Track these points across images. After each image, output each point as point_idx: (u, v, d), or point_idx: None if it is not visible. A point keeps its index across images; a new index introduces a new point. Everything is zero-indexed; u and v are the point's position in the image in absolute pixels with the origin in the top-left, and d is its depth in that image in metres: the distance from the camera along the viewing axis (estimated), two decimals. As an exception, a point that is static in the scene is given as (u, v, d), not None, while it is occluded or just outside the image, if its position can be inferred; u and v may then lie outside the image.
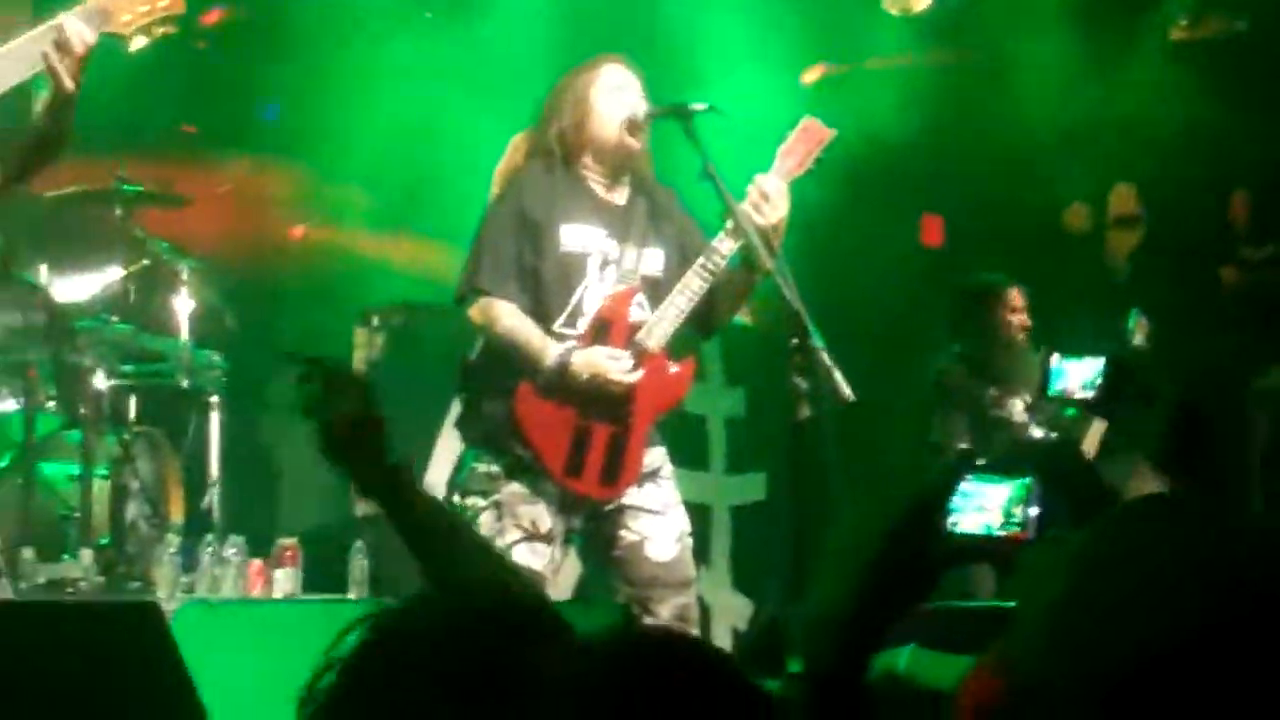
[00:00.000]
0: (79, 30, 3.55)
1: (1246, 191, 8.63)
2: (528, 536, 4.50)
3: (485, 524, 4.51)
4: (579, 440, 4.52)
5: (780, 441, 4.58)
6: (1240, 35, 8.72)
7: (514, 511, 4.50)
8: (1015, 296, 6.73)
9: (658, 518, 4.65)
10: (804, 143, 4.71)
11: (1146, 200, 8.89)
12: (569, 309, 4.58)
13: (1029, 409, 6.61)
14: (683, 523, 4.72)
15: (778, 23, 7.91)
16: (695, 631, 4.73)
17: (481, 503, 4.53)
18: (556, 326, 4.56)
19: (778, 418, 4.50)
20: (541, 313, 4.56)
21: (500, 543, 4.48)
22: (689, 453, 6.77)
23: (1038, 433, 6.57)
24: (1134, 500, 1.70)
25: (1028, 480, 2.07)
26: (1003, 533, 2.07)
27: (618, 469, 4.57)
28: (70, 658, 3.47)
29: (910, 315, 7.93)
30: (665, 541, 4.65)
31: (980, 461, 6.25)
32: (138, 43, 3.71)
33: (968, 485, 2.00)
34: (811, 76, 8.47)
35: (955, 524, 1.95)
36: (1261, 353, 7.83)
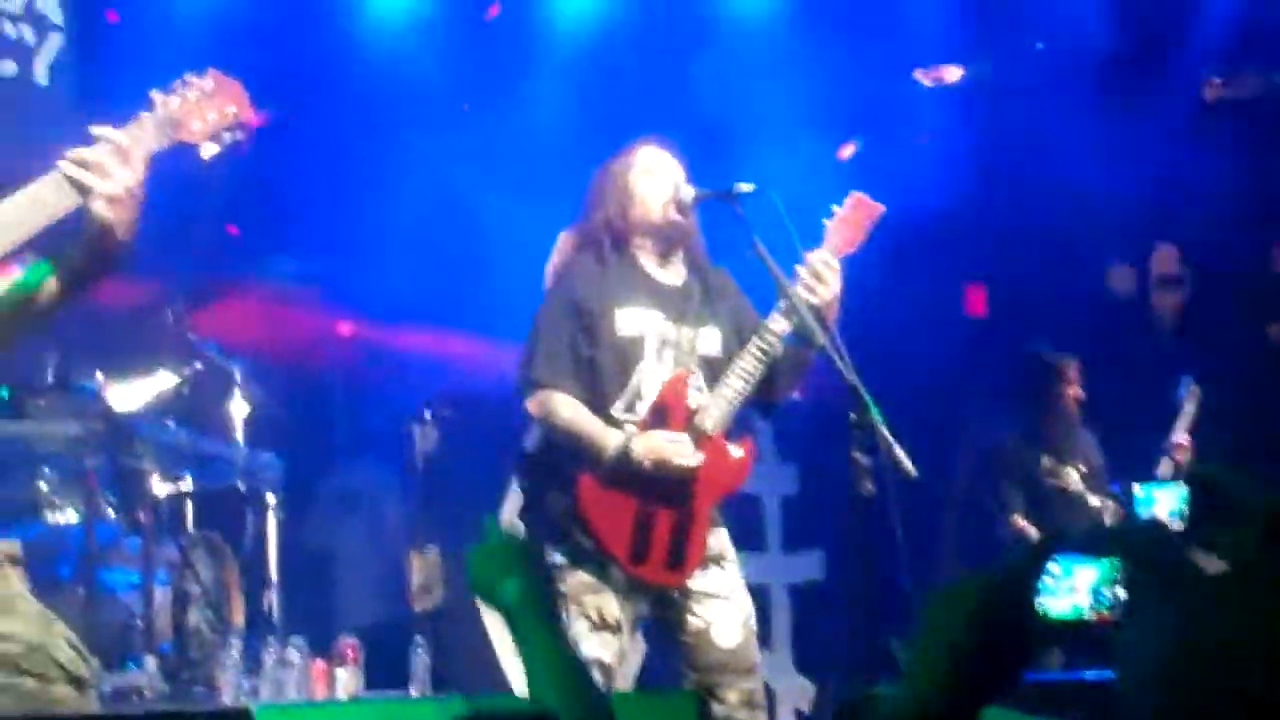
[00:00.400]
0: (145, 139, 3.55)
1: (1289, 245, 8.62)
2: (596, 627, 4.48)
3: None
4: (642, 526, 4.50)
5: (835, 518, 4.55)
6: (1275, 89, 8.73)
7: (580, 601, 4.48)
8: (1073, 369, 6.77)
9: (723, 603, 4.63)
10: (854, 218, 4.72)
11: (1189, 260, 8.88)
12: (627, 393, 4.57)
13: (1084, 479, 6.60)
14: (747, 607, 4.70)
15: (812, 98, 7.96)
16: (762, 716, 4.68)
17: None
18: (615, 412, 4.56)
19: (832, 494, 4.47)
20: (599, 399, 4.56)
21: (568, 634, 4.45)
22: (744, 533, 6.73)
23: (1094, 501, 6.57)
24: (1222, 577, 1.68)
25: (1115, 561, 2.04)
26: (1093, 614, 2.03)
27: (683, 553, 4.55)
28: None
29: (956, 386, 7.91)
30: (731, 627, 4.62)
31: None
32: (209, 150, 3.73)
33: (1055, 567, 1.97)
34: (847, 151, 8.51)
35: (1044, 606, 1.92)
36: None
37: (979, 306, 8.69)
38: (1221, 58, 8.63)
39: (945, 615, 1.72)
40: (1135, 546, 4.81)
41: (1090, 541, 5.75)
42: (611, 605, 4.49)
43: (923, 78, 8.67)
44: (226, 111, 3.70)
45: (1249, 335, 8.47)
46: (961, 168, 8.30)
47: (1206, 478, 6.07)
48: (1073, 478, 6.62)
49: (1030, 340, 7.26)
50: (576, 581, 4.50)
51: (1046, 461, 6.62)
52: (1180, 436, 6.72)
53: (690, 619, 4.59)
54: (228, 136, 3.76)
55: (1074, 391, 6.77)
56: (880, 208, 4.73)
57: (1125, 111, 8.51)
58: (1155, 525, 6.00)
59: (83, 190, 3.39)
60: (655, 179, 4.70)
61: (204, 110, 3.65)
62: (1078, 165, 8.50)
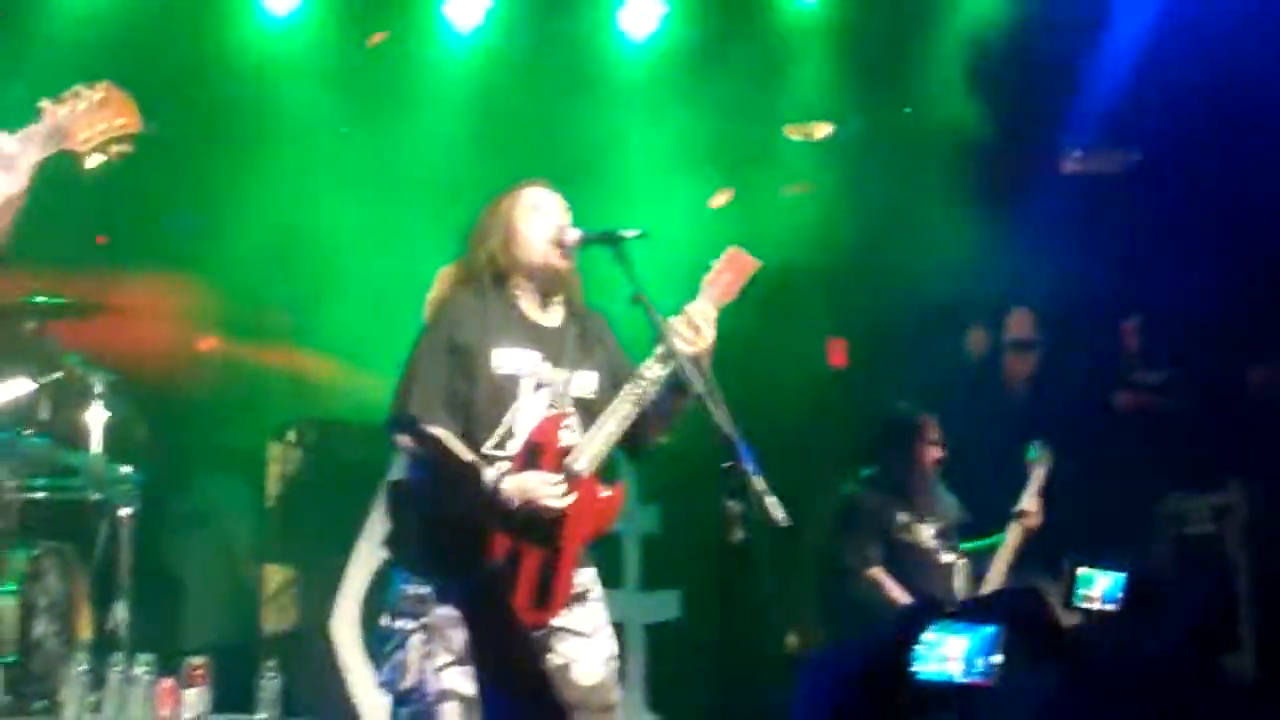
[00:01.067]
0: (30, 152, 3.54)
1: (1139, 317, 8.89)
2: (458, 660, 4.49)
3: (415, 646, 4.49)
4: (510, 564, 4.53)
5: (696, 559, 4.62)
6: (1131, 166, 9.01)
7: (444, 635, 4.49)
8: (932, 428, 6.90)
9: (586, 640, 4.67)
10: (730, 272, 4.79)
11: (1043, 324, 9.12)
12: (500, 432, 4.60)
13: (938, 535, 6.74)
14: (610, 646, 4.74)
15: (689, 147, 8.08)
16: None
17: (411, 624, 4.52)
18: (487, 449, 4.59)
19: (693, 535, 4.54)
20: (472, 436, 4.58)
21: (430, 665, 4.46)
22: (604, 569, 6.78)
23: (946, 558, 6.69)
24: (1091, 650, 1.77)
25: (990, 630, 2.13)
26: (965, 680, 2.12)
27: (549, 593, 4.58)
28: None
29: (816, 436, 8.04)
30: (593, 665, 4.65)
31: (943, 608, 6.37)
32: (93, 160, 3.72)
33: (930, 634, 2.05)
34: (719, 201, 8.64)
35: (917, 672, 2.00)
36: (1160, 475, 8.05)
37: (840, 358, 8.85)
38: (1081, 135, 8.90)
39: (825, 676, 1.78)
40: (1014, 612, 4.95)
41: (969, 609, 5.90)
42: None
43: (793, 133, 8.83)
44: (115, 123, 3.70)
45: (1097, 402, 8.73)
46: (827, 222, 8.47)
47: (1144, 571, 6.29)
48: (926, 534, 6.75)
49: (889, 395, 7.40)
50: (441, 613, 4.52)
51: (902, 517, 6.74)
52: (1029, 501, 6.87)
53: (551, 656, 4.62)
54: (115, 149, 3.76)
55: (933, 451, 6.90)
56: (756, 263, 4.82)
57: (985, 177, 8.75)
58: (1031, 593, 6.16)
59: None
60: (539, 218, 4.74)
61: (93, 121, 3.65)
62: (940, 226, 8.71)
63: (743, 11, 8.53)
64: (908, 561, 6.69)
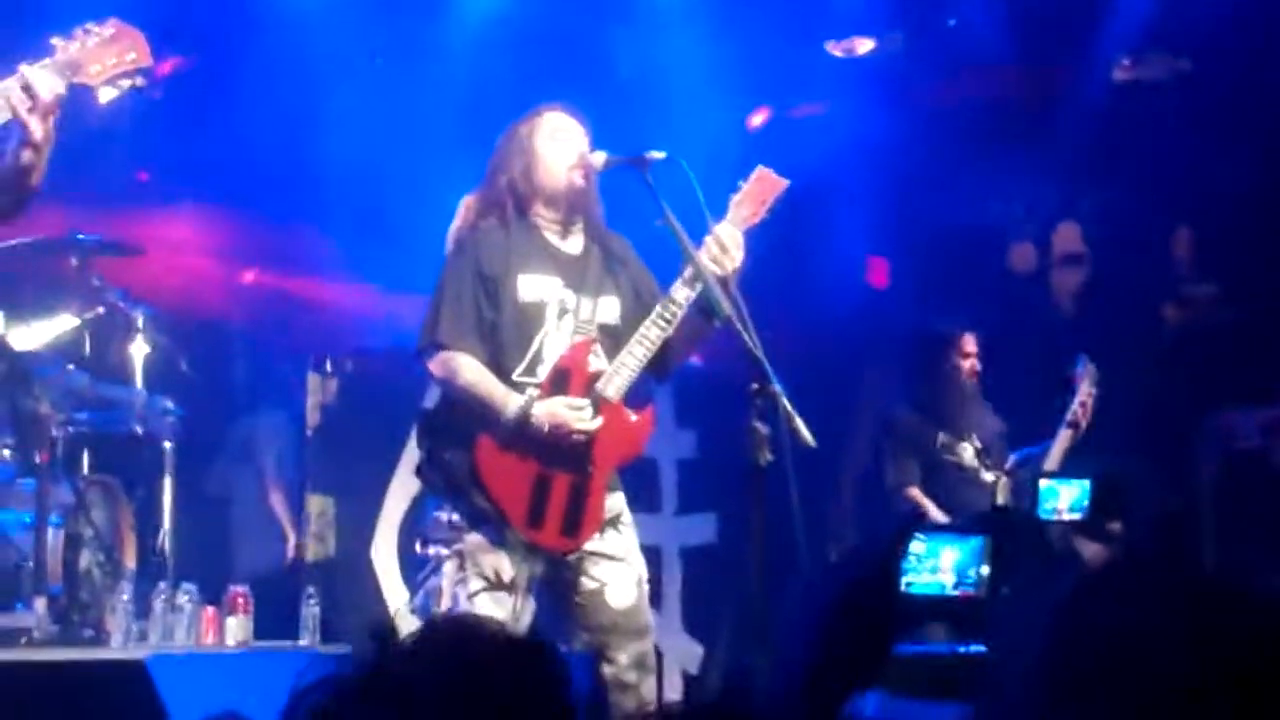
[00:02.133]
0: (48, 81, 3.62)
1: (1189, 229, 8.80)
2: (490, 586, 4.56)
3: (449, 572, 4.57)
4: (540, 490, 4.59)
5: (731, 484, 4.65)
6: (1182, 75, 8.89)
7: (477, 560, 4.57)
8: (968, 342, 6.85)
9: (618, 564, 4.72)
10: (758, 192, 4.81)
11: (1090, 239, 9.05)
12: (528, 358, 4.65)
13: (978, 454, 6.72)
14: (641, 569, 4.79)
15: (725, 66, 8.04)
16: (652, 679, 4.77)
17: (445, 551, 4.59)
18: (516, 376, 4.64)
19: (729, 460, 4.57)
20: (501, 363, 4.64)
21: (463, 591, 4.54)
22: (640, 495, 6.81)
23: (988, 477, 6.68)
24: (1108, 564, 1.78)
25: (979, 540, 2.15)
26: (956, 592, 2.13)
27: (579, 519, 4.64)
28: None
29: (858, 356, 8.04)
30: (625, 588, 4.71)
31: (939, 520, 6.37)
32: (106, 94, 3.80)
33: (921, 546, 2.08)
34: (758, 119, 8.60)
35: (910, 583, 2.02)
36: (1208, 390, 8.00)
37: (881, 278, 8.82)
38: (1130, 42, 8.78)
39: (815, 593, 1.79)
40: (1015, 530, 4.96)
41: (965, 522, 5.91)
42: (506, 565, 4.57)
43: (834, 49, 8.76)
44: (126, 58, 3.76)
45: (1146, 316, 8.67)
46: (868, 140, 8.42)
47: (1108, 476, 6.25)
48: (967, 453, 6.72)
49: (929, 313, 7.38)
50: (474, 540, 4.58)
51: (942, 436, 6.71)
52: (1076, 409, 6.80)
53: (584, 580, 4.68)
54: (126, 82, 3.85)
55: (969, 364, 6.85)
56: (784, 182, 4.82)
57: (1035, 87, 8.66)
58: (1007, 509, 6.17)
59: (32, 98, 3.48)
60: (560, 143, 4.76)
61: (103, 55, 3.72)
62: (982, 140, 8.65)
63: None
64: (948, 480, 6.70)
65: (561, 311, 4.70)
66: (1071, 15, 8.59)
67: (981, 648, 4.11)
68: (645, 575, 4.80)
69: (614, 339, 4.73)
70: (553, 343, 4.67)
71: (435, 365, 4.65)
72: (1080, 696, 1.47)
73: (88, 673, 4.44)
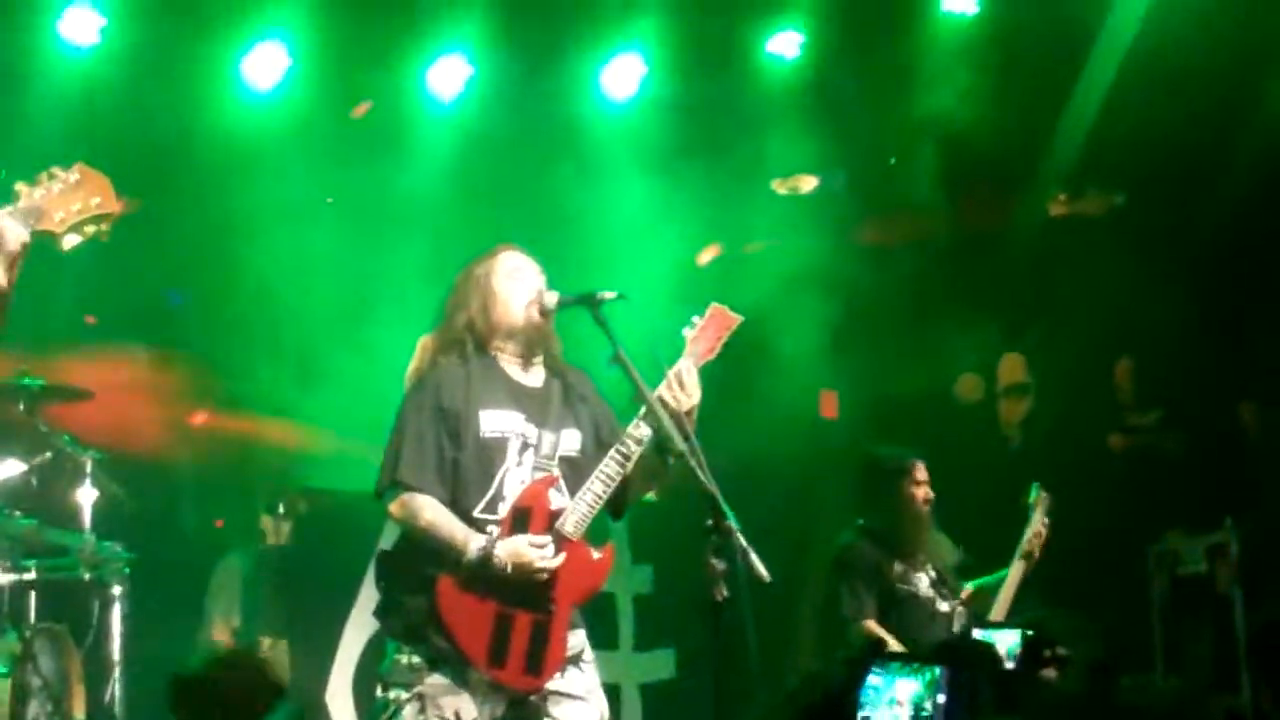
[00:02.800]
0: (14, 230, 3.56)
1: (1130, 359, 8.89)
2: (451, 728, 4.48)
3: (408, 716, 4.49)
4: (501, 629, 4.53)
5: (689, 618, 4.61)
6: (1116, 209, 9.03)
7: (437, 704, 4.49)
8: (919, 470, 6.83)
9: (579, 704, 4.66)
10: (713, 328, 4.82)
11: (1034, 369, 9.12)
12: (489, 495, 4.62)
13: (934, 584, 6.68)
14: (603, 707, 4.73)
15: (673, 206, 8.11)
16: None
17: (405, 695, 4.50)
18: (476, 513, 4.60)
19: (685, 594, 4.53)
20: (461, 501, 4.59)
21: None
22: (598, 631, 6.74)
23: (944, 606, 6.65)
24: (1057, 700, 1.75)
25: (935, 673, 2.12)
26: None
27: (542, 657, 4.58)
28: None
29: (810, 488, 8.03)
30: None
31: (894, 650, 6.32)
32: (70, 241, 3.74)
33: (878, 680, 2.04)
34: (706, 257, 8.66)
35: (867, 717, 2.00)
36: (1153, 516, 8.03)
37: (831, 410, 8.84)
38: (1067, 179, 8.93)
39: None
40: (972, 659, 4.93)
41: (918, 654, 5.86)
42: (469, 707, 4.51)
43: (779, 187, 8.86)
44: (91, 203, 3.72)
45: (1092, 444, 8.73)
46: (814, 275, 8.48)
47: (1036, 624, 6.24)
48: (923, 583, 6.69)
49: (879, 443, 7.36)
50: (434, 682, 4.52)
51: (898, 567, 6.68)
52: (1031, 538, 6.78)
53: (551, 716, 4.61)
54: (90, 229, 3.78)
55: (922, 492, 6.82)
56: (737, 318, 4.84)
57: (973, 221, 8.77)
58: (967, 639, 6.12)
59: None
60: (517, 281, 4.78)
61: (68, 202, 3.67)
62: (927, 275, 8.74)
63: (722, 69, 8.57)
64: (905, 610, 6.64)
65: (523, 446, 4.67)
66: (1008, 154, 8.73)
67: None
68: (606, 714, 4.74)
69: (575, 470, 4.70)
70: (513, 478, 4.64)
71: (395, 507, 4.60)
72: None
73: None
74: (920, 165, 8.69)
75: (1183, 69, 8.03)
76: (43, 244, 5.98)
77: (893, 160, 8.93)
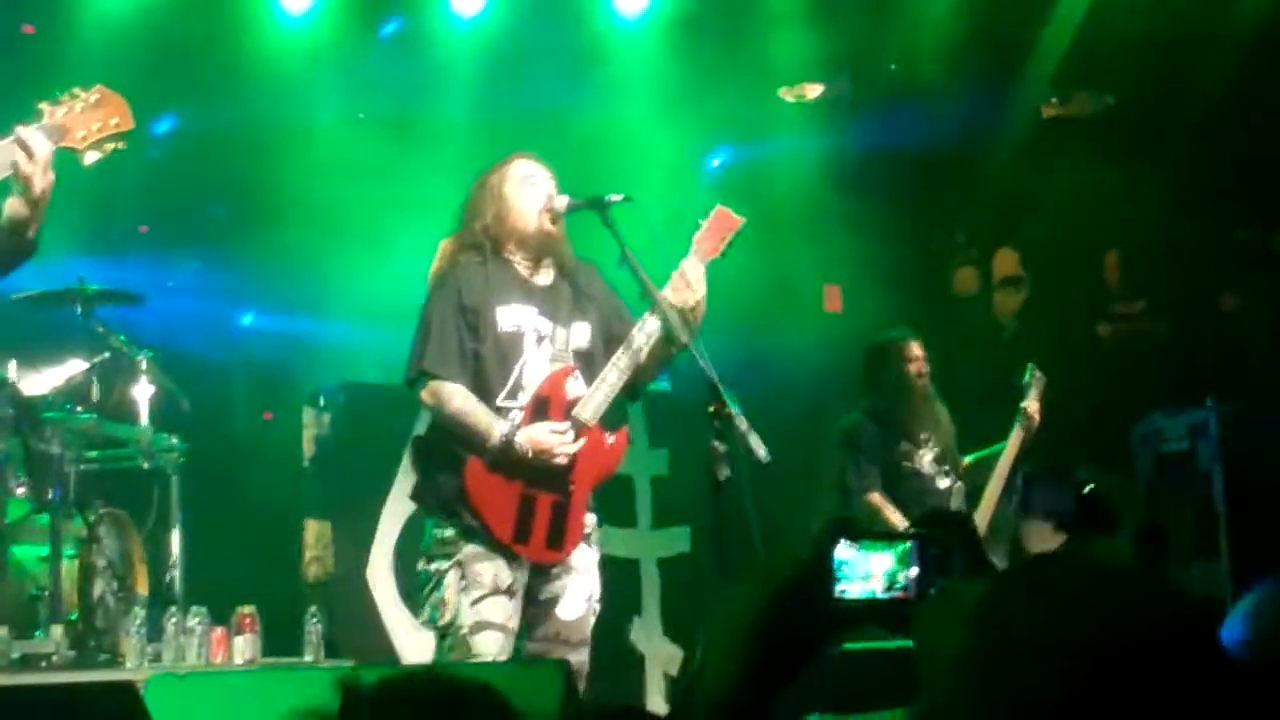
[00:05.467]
0: (40, 141, 3.63)
1: (1118, 252, 8.91)
2: (491, 591, 4.60)
3: (450, 583, 4.59)
4: (525, 509, 4.64)
5: (701, 498, 4.70)
6: (1108, 109, 9.00)
7: (475, 569, 4.61)
8: (913, 347, 6.87)
9: (576, 576, 4.77)
10: (717, 229, 4.87)
11: (1028, 262, 9.14)
12: (509, 384, 4.71)
13: (936, 460, 6.73)
14: (595, 585, 4.83)
15: (682, 115, 8.13)
16: (581, 685, 4.77)
17: (445, 564, 4.62)
18: (499, 401, 4.69)
19: (698, 476, 4.62)
20: (484, 389, 4.69)
21: (465, 599, 4.57)
22: (617, 511, 6.88)
23: (944, 483, 6.71)
24: (1029, 559, 1.76)
25: (906, 545, 2.14)
26: (887, 596, 2.11)
27: (562, 534, 4.70)
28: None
29: (820, 378, 8.09)
30: (575, 602, 4.76)
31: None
32: (91, 157, 3.80)
33: (850, 554, 2.04)
34: (715, 162, 8.68)
35: (843, 591, 1.98)
36: (1139, 398, 8.08)
37: (836, 304, 8.89)
38: (1057, 81, 8.89)
39: (746, 597, 1.76)
40: (947, 530, 5.00)
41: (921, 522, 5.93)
42: (505, 571, 4.62)
43: (786, 94, 8.86)
44: (110, 123, 3.78)
45: (1081, 332, 8.77)
46: (819, 177, 8.51)
47: (1087, 486, 6.28)
48: (925, 460, 6.75)
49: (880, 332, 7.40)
50: (470, 550, 4.62)
51: (903, 444, 6.73)
52: (1031, 406, 6.79)
53: (544, 589, 4.72)
54: (110, 146, 3.84)
55: (916, 367, 6.85)
56: (740, 220, 4.89)
57: (971, 121, 8.76)
58: (943, 513, 6.20)
59: (25, 184, 3.49)
60: (529, 188, 4.83)
61: (88, 121, 3.73)
62: (932, 172, 8.75)
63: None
64: (907, 485, 6.71)
65: (539, 339, 4.76)
66: (1002, 54, 8.69)
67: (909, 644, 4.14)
68: (597, 591, 4.83)
69: (588, 360, 4.79)
70: (532, 369, 4.73)
71: (425, 394, 4.70)
72: (998, 696, 1.44)
73: (99, 692, 4.44)
74: (919, 70, 8.66)
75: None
76: (99, 165, 6.12)
77: (893, 66, 8.91)
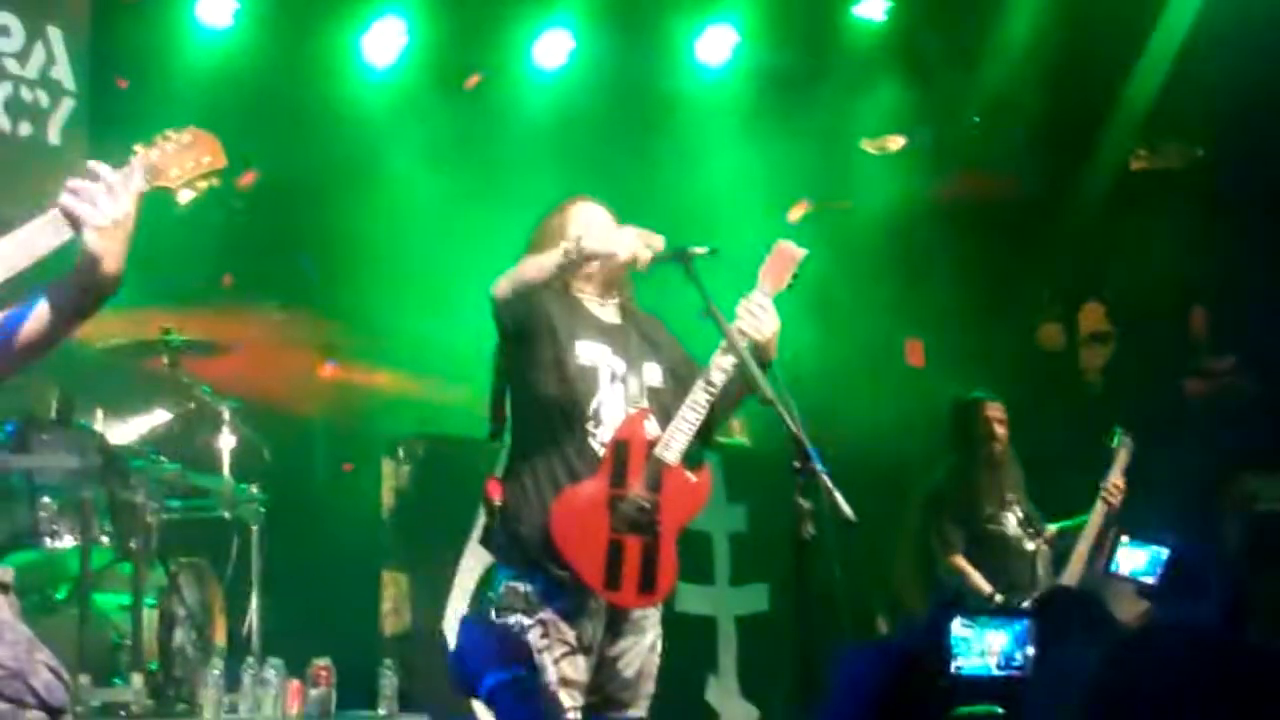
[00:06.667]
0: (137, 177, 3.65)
1: (1205, 307, 8.81)
2: (571, 650, 4.56)
3: (533, 641, 4.55)
4: (614, 555, 4.58)
5: (781, 555, 4.66)
6: (1196, 162, 8.93)
7: (558, 629, 4.56)
8: (994, 409, 6.84)
9: (640, 636, 4.69)
10: (780, 262, 4.82)
11: (1114, 318, 9.06)
12: (589, 416, 4.67)
13: (1021, 524, 6.68)
14: (657, 636, 4.77)
15: (765, 168, 8.14)
16: None
17: (526, 621, 4.57)
18: (584, 426, 4.65)
19: (777, 532, 4.57)
20: (566, 418, 4.62)
21: (548, 657, 4.53)
22: (695, 567, 6.86)
23: (1029, 545, 6.65)
24: (1139, 628, 1.75)
25: (1024, 623, 2.13)
26: (1003, 674, 2.11)
27: (653, 578, 4.64)
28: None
29: (902, 434, 8.04)
30: (637, 659, 4.69)
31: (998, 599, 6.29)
32: (184, 196, 3.84)
33: (967, 630, 2.05)
34: (796, 214, 8.68)
35: (959, 667, 1.99)
36: (1229, 456, 7.97)
37: (918, 358, 8.84)
38: (1145, 132, 8.84)
39: (862, 666, 1.76)
40: (1062, 606, 4.92)
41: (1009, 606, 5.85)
42: (585, 630, 4.58)
43: (868, 146, 8.85)
44: (203, 161, 3.80)
45: (1168, 389, 8.67)
46: (903, 229, 8.48)
47: (1179, 550, 6.19)
48: (1010, 523, 6.70)
49: (963, 388, 7.37)
50: (554, 610, 4.57)
51: (987, 507, 6.68)
52: (1113, 480, 6.74)
53: (610, 645, 4.67)
54: (203, 184, 3.87)
55: (1000, 429, 6.82)
56: (802, 252, 4.84)
57: (1056, 175, 8.71)
58: (1068, 590, 6.12)
59: (74, 222, 3.51)
60: (590, 224, 4.83)
61: (182, 160, 3.76)
62: (1011, 228, 8.70)
63: (812, 33, 8.58)
64: (993, 548, 6.66)
65: (612, 377, 4.73)
66: (1088, 111, 8.65)
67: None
68: (659, 643, 4.78)
69: (660, 401, 4.76)
70: (608, 407, 4.69)
71: (499, 284, 4.56)
72: None
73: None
74: (1004, 121, 8.64)
75: (1260, 19, 7.91)
76: (183, 217, 6.18)
77: (976, 119, 8.89)
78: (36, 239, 3.53)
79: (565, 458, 4.63)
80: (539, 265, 4.59)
